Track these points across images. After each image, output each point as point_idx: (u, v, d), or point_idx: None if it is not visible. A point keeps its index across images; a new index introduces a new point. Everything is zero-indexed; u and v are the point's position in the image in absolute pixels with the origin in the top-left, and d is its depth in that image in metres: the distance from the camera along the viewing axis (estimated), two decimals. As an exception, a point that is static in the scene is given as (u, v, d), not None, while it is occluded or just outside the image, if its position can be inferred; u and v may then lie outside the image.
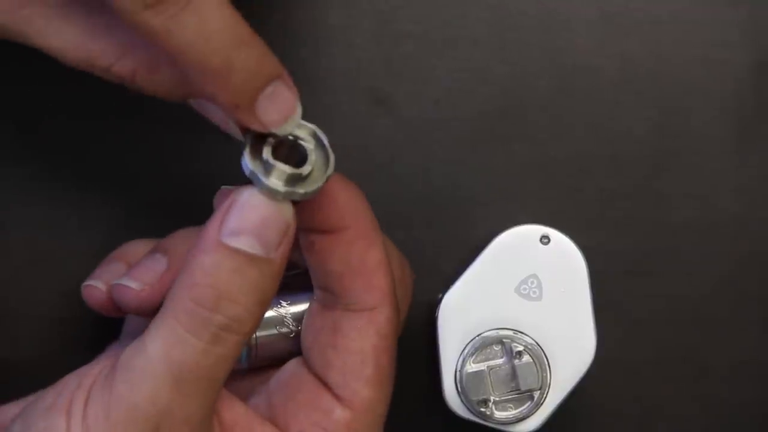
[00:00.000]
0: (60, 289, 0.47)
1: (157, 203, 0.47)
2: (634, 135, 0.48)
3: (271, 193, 0.36)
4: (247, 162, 0.36)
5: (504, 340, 0.42)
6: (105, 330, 0.47)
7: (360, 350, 0.39)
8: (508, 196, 0.48)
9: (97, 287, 0.42)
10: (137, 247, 0.43)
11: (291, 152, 0.37)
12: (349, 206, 0.39)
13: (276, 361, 0.41)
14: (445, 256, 0.47)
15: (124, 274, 0.41)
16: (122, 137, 0.47)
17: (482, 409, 0.42)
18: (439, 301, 0.43)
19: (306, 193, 0.36)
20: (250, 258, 0.35)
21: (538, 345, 0.42)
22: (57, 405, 0.36)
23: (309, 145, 0.37)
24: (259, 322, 0.36)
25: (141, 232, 0.47)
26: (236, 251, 0.35)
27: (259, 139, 0.36)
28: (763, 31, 0.47)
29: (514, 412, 0.42)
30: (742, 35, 0.47)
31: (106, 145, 0.47)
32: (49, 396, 0.37)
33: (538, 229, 0.43)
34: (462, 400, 0.43)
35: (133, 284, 0.40)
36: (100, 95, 0.47)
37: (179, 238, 0.41)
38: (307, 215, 0.39)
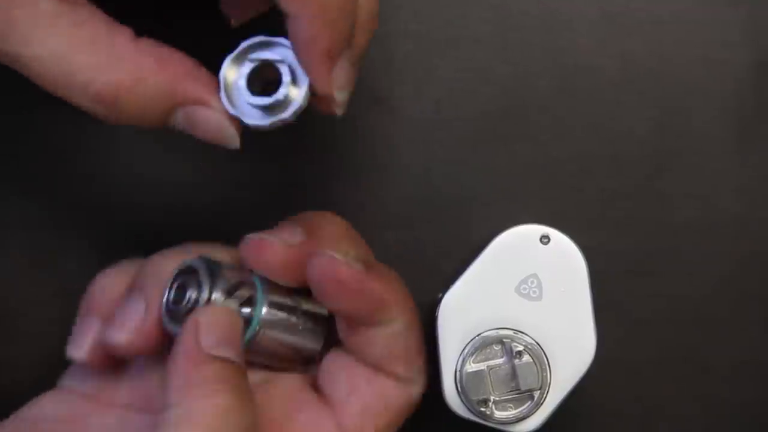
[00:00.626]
0: (60, 289, 0.48)
1: (157, 203, 0.47)
2: (635, 135, 0.48)
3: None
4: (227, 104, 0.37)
5: (504, 340, 0.42)
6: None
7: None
8: (508, 195, 0.48)
9: (82, 354, 0.41)
10: (110, 288, 0.43)
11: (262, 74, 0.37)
12: (393, 306, 0.40)
13: (276, 357, 0.41)
14: (445, 256, 0.47)
15: (108, 326, 0.40)
16: (122, 137, 0.47)
17: (482, 409, 0.42)
18: (439, 301, 0.43)
19: (287, 117, 0.37)
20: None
21: (538, 345, 0.42)
22: None
23: (284, 67, 0.37)
24: None
25: (141, 233, 0.47)
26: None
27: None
28: (764, 31, 0.47)
29: (514, 411, 0.42)
30: (743, 35, 0.47)
31: (106, 145, 0.47)
32: None
33: (538, 229, 0.43)
34: (462, 400, 0.42)
35: (118, 337, 0.40)
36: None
37: (152, 269, 0.41)
38: (353, 321, 0.40)
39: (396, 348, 0.40)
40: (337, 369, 0.41)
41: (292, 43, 0.36)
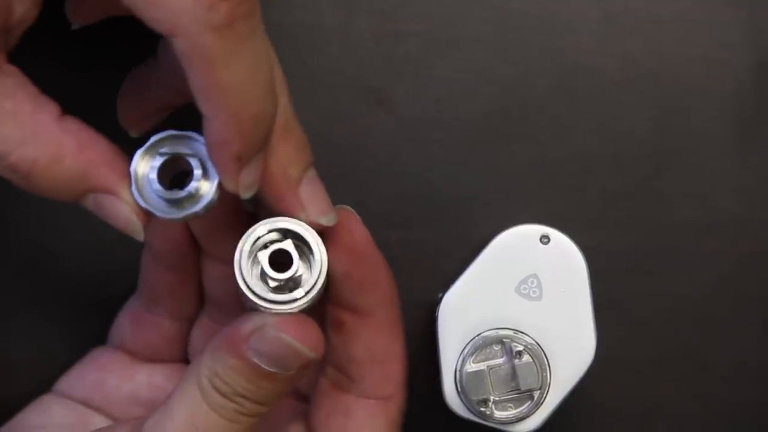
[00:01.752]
0: (60, 288, 0.48)
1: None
2: (635, 135, 0.48)
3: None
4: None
5: (504, 340, 0.42)
6: (105, 330, 0.47)
7: None
8: (508, 195, 0.48)
9: None
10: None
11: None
12: (384, 292, 0.40)
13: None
14: (445, 256, 0.47)
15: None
16: (121, 137, 0.47)
17: (482, 409, 0.42)
18: (439, 300, 0.43)
19: (198, 211, 0.37)
20: (267, 374, 0.37)
21: (538, 345, 0.42)
22: None
23: (194, 161, 0.37)
24: (275, 403, 0.38)
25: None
26: (256, 365, 0.37)
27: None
28: (764, 32, 0.47)
29: (514, 411, 0.42)
30: (743, 35, 0.47)
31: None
32: None
33: (538, 229, 0.43)
34: (462, 400, 0.42)
35: None
36: (100, 94, 0.47)
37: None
38: (344, 293, 0.40)
39: (377, 350, 0.40)
40: (326, 406, 0.42)
41: (204, 140, 0.36)
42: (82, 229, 0.47)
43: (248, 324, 0.37)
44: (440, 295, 0.44)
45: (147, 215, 0.36)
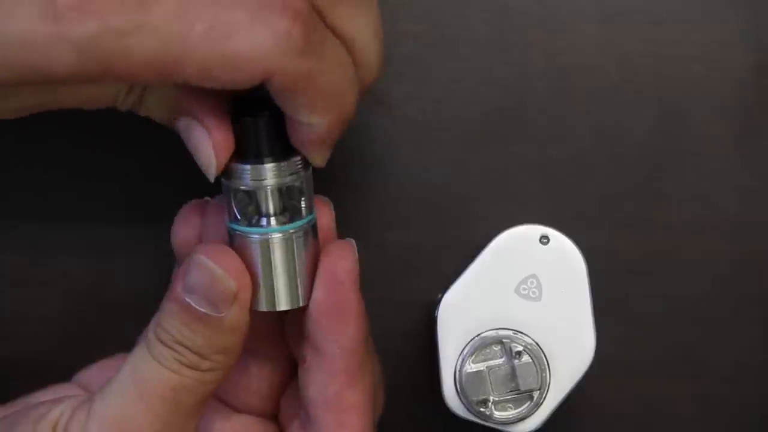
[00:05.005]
0: (60, 288, 0.48)
1: (157, 202, 0.47)
2: (634, 135, 0.48)
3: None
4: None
5: (503, 340, 0.42)
6: (105, 330, 0.47)
7: None
8: (508, 196, 0.48)
9: None
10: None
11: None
12: (350, 338, 0.39)
13: None
14: (445, 256, 0.47)
15: None
16: (122, 136, 0.47)
17: (482, 409, 0.42)
18: (439, 301, 0.43)
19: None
20: (200, 315, 0.37)
21: (538, 345, 0.42)
22: (46, 417, 0.38)
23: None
24: (225, 364, 0.38)
25: (140, 232, 0.47)
26: (189, 306, 0.37)
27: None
28: (763, 31, 0.47)
29: (513, 412, 0.42)
30: (743, 35, 0.47)
31: (106, 144, 0.47)
32: (41, 408, 0.39)
33: (537, 230, 0.43)
34: (462, 400, 0.42)
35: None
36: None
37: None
38: (310, 327, 0.39)
39: (330, 395, 0.39)
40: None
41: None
42: (82, 229, 0.47)
43: (185, 263, 0.37)
44: (440, 295, 0.44)
45: (226, 155, 0.37)
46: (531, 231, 0.43)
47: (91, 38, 0.32)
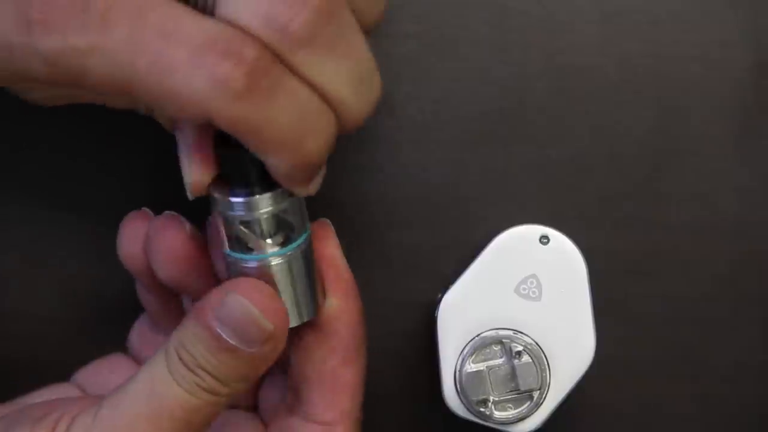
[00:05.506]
0: (60, 289, 0.48)
1: (156, 203, 0.47)
2: (633, 135, 0.48)
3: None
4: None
5: (503, 340, 0.42)
6: (105, 330, 0.47)
7: None
8: (507, 196, 0.48)
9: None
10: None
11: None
12: (342, 313, 0.40)
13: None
14: (445, 256, 0.47)
15: None
16: (122, 135, 0.47)
17: (482, 409, 0.42)
18: (439, 301, 0.43)
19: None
20: (230, 347, 0.37)
21: (538, 345, 0.42)
22: (45, 418, 0.38)
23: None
24: (242, 390, 0.38)
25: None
26: (219, 336, 0.37)
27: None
28: (763, 31, 0.47)
29: (513, 412, 0.42)
30: (742, 35, 0.47)
31: (106, 144, 0.47)
32: (40, 408, 0.39)
33: (537, 230, 0.43)
34: (462, 400, 0.43)
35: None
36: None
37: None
38: None
39: (326, 371, 0.40)
40: (275, 428, 0.42)
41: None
42: (82, 229, 0.47)
43: (217, 292, 0.37)
44: (440, 295, 0.44)
45: (205, 179, 0.37)
46: (531, 231, 0.43)
47: (56, 52, 0.33)
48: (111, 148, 0.47)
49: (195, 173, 0.37)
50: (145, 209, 0.42)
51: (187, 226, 0.41)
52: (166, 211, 0.41)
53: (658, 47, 0.48)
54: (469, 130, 0.48)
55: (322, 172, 0.38)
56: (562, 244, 0.43)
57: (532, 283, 0.43)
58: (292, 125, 0.34)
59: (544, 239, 0.43)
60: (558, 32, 0.47)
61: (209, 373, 0.37)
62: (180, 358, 0.37)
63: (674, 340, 0.48)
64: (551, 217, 0.45)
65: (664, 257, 0.48)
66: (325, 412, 0.40)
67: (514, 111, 0.48)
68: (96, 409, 0.37)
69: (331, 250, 0.41)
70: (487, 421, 0.43)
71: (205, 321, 0.37)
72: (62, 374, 0.45)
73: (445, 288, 0.44)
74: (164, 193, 0.47)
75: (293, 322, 0.39)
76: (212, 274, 0.41)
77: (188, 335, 0.37)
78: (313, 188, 0.37)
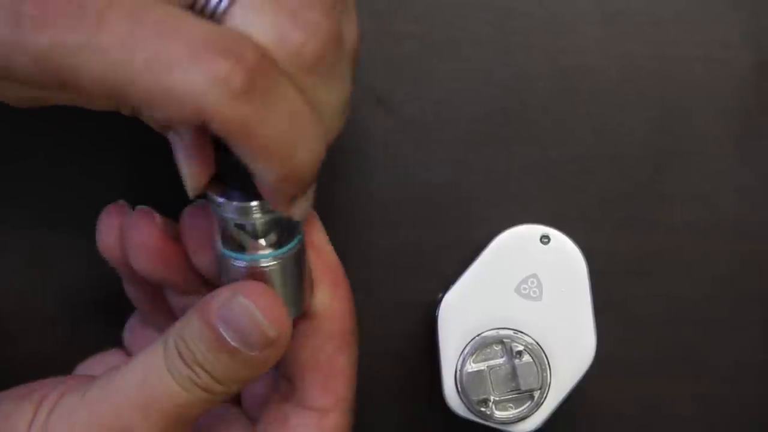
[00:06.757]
0: (60, 289, 0.48)
1: (156, 203, 0.47)
2: (635, 135, 0.48)
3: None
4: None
5: (504, 340, 0.42)
6: (105, 330, 0.47)
7: None
8: (508, 196, 0.48)
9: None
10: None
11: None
12: (334, 301, 0.40)
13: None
14: (445, 256, 0.47)
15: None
16: (123, 135, 0.47)
17: (482, 409, 0.42)
18: (439, 300, 0.43)
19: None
20: (231, 348, 0.37)
21: (538, 345, 0.42)
22: (30, 396, 0.38)
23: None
24: (236, 390, 0.38)
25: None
26: (221, 337, 0.37)
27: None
28: (764, 31, 0.47)
29: (514, 411, 0.42)
30: (743, 35, 0.47)
31: (106, 144, 0.47)
32: (26, 387, 0.39)
33: (538, 229, 0.43)
34: (462, 400, 0.42)
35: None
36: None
37: None
38: None
39: (322, 357, 0.40)
40: (269, 415, 0.42)
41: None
42: (82, 229, 0.47)
43: (223, 292, 0.37)
44: (440, 295, 0.44)
45: (203, 179, 0.37)
46: (531, 231, 0.43)
47: (44, 51, 0.32)
48: (112, 147, 0.47)
49: (191, 174, 0.37)
50: (122, 202, 0.42)
51: (158, 219, 0.41)
52: (139, 206, 0.41)
53: (660, 48, 0.48)
54: (471, 131, 0.48)
55: (310, 196, 0.37)
56: (562, 243, 0.43)
57: (532, 282, 0.43)
58: (286, 131, 0.34)
59: (545, 239, 0.43)
60: (560, 33, 0.47)
61: (206, 371, 0.37)
62: (179, 353, 0.37)
63: (675, 340, 0.48)
64: (553, 218, 0.45)
65: (665, 257, 0.48)
66: (320, 398, 0.40)
67: (516, 111, 0.48)
68: (84, 389, 0.37)
69: (317, 238, 0.41)
70: (487, 421, 0.43)
71: (209, 320, 0.37)
72: (62, 374, 0.45)
73: (445, 288, 0.44)
74: (165, 193, 0.47)
75: None
76: (188, 267, 0.41)
77: (190, 331, 0.37)
78: (297, 211, 0.36)
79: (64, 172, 0.47)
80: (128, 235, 0.41)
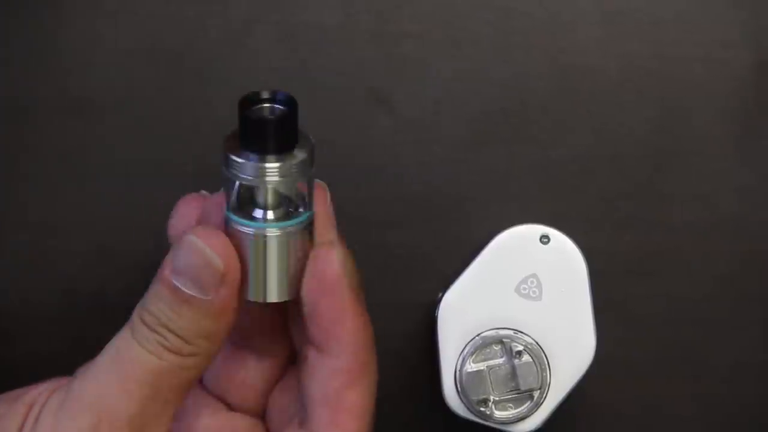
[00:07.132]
0: (60, 289, 0.48)
1: (155, 203, 0.47)
2: (635, 135, 0.48)
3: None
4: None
5: (504, 340, 0.42)
6: (105, 330, 0.47)
7: None
8: (508, 196, 0.48)
9: None
10: None
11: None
12: (349, 335, 0.39)
13: None
14: (445, 256, 0.47)
15: None
16: (121, 135, 0.47)
17: (482, 409, 0.42)
18: (439, 300, 0.43)
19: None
20: (187, 297, 0.37)
21: (538, 345, 0.42)
22: (23, 398, 0.38)
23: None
24: (208, 350, 0.38)
25: (141, 231, 0.47)
26: (176, 288, 0.37)
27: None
28: (764, 31, 0.47)
29: (514, 411, 0.42)
30: (743, 35, 0.47)
31: (105, 144, 0.47)
32: (21, 390, 0.39)
33: (537, 229, 0.43)
34: (462, 400, 0.42)
35: None
36: (99, 92, 0.47)
37: None
38: (310, 327, 0.39)
39: (330, 392, 0.39)
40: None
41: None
42: (82, 229, 0.47)
43: (173, 247, 0.38)
44: (440, 295, 0.44)
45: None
46: (531, 230, 0.43)
47: None
48: (113, 147, 0.47)
49: None
50: (204, 192, 0.41)
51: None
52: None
53: (660, 48, 0.48)
54: (471, 130, 0.48)
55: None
56: (562, 243, 0.43)
57: (532, 282, 0.43)
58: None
59: (545, 239, 0.43)
60: (560, 33, 0.47)
61: (170, 330, 0.37)
62: (143, 321, 0.37)
63: (675, 340, 0.48)
64: (552, 218, 0.45)
65: (665, 257, 0.48)
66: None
67: (515, 111, 0.48)
68: (69, 384, 0.38)
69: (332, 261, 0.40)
70: (487, 421, 0.43)
71: (163, 275, 0.37)
72: (62, 374, 0.45)
73: (445, 288, 0.44)
74: (166, 193, 0.47)
75: (276, 297, 0.38)
76: None
77: (149, 296, 0.37)
78: None
79: (64, 172, 0.47)
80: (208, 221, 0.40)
